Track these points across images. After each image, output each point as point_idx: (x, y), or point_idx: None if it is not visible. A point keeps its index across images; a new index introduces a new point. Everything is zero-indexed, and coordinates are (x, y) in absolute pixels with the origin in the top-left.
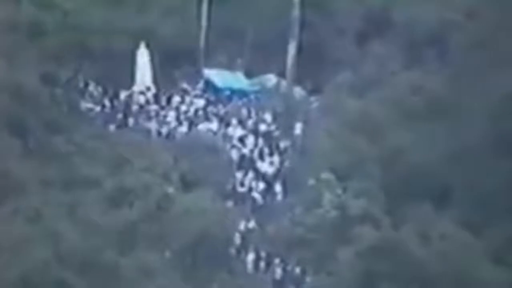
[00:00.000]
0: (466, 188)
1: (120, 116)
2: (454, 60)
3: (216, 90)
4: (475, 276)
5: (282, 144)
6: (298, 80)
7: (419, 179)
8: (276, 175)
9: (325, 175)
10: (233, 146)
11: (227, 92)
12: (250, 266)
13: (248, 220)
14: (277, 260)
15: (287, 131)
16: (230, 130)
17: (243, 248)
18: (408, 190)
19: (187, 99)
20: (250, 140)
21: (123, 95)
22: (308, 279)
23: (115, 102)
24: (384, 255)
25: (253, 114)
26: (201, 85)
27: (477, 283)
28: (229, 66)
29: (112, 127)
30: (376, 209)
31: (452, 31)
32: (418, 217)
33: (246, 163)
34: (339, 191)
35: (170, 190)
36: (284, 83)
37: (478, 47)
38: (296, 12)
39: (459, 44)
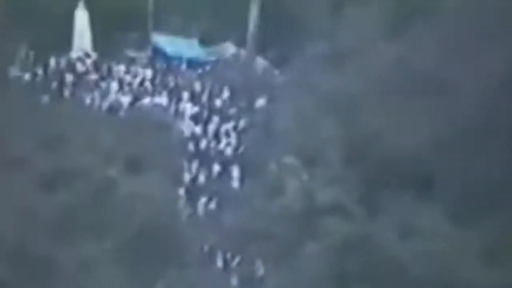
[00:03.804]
0: (453, 176)
1: (54, 85)
2: (443, 30)
3: (166, 59)
4: (462, 276)
5: (241, 123)
6: (261, 50)
7: (398, 165)
8: (233, 158)
9: (289, 159)
10: (185, 124)
11: (179, 62)
12: (202, 260)
13: (201, 209)
14: (234, 255)
15: (247, 107)
16: (181, 105)
17: (194, 241)
18: (386, 177)
19: (133, 68)
20: (204, 117)
21: (58, 62)
22: (269, 276)
23: (49, 70)
24: (356, 251)
25: (208, 87)
26: (149, 52)
27: (464, 285)
28: (182, 32)
29: (45, 99)
30: (348, 198)
31: None
32: (396, 208)
33: (199, 143)
34: (305, 178)
35: (113, 173)
36: (244, 52)
37: (470, 14)
38: None
39: (449, 11)
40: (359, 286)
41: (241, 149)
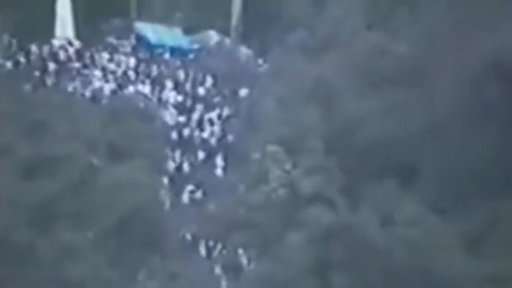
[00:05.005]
0: (436, 165)
1: (37, 74)
2: (425, 19)
3: (149, 47)
4: (445, 266)
5: (224, 112)
6: (244, 39)
7: (381, 154)
8: (217, 147)
9: (273, 148)
10: (169, 112)
11: (162, 50)
12: (184, 249)
13: (184, 198)
14: (216, 244)
15: (231, 96)
16: (165, 94)
17: (177, 230)
18: (368, 166)
19: (116, 56)
20: (188, 105)
21: (40, 50)
22: (251, 266)
23: (31, 58)
24: (339, 241)
25: (191, 76)
26: (132, 41)
27: (447, 275)
28: (165, 20)
29: (27, 87)
30: (331, 188)
31: None
32: (379, 198)
33: (183, 132)
34: (288, 167)
35: (95, 160)
36: (228, 41)
37: (453, 3)
38: None
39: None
40: (342, 275)
41: (224, 138)
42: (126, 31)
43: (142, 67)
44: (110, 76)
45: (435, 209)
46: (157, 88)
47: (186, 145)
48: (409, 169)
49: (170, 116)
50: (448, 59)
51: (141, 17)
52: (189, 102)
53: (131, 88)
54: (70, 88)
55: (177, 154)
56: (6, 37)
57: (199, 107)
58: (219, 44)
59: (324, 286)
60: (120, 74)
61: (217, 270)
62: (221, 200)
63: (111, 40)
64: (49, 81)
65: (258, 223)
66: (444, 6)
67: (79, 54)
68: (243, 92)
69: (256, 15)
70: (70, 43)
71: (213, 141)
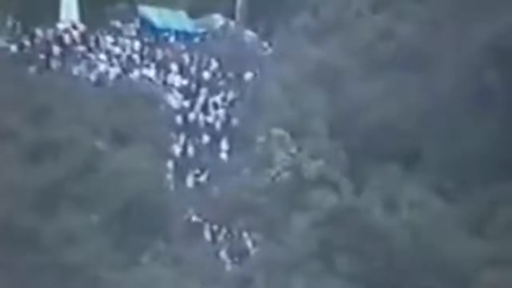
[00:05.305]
0: (439, 149)
1: (41, 57)
2: (429, 3)
3: (154, 31)
4: (449, 249)
5: (229, 95)
6: (249, 22)
7: (385, 137)
8: (221, 131)
9: (277, 131)
10: (173, 96)
11: (167, 34)
12: (189, 233)
13: (189, 181)
14: (221, 228)
15: (235, 80)
16: (169, 77)
17: (181, 213)
18: (373, 150)
19: (120, 40)
20: (193, 89)
21: (45, 33)
22: (256, 249)
23: (36, 41)
24: (343, 224)
25: (196, 59)
26: (136, 24)
27: (451, 257)
28: (170, 3)
29: (32, 70)
30: (335, 171)
31: None
32: (383, 181)
33: (187, 116)
34: (293, 150)
35: (100, 145)
36: (232, 24)
37: None
38: None
39: None
40: (346, 257)
41: (229, 122)
42: (130, 15)
43: (146, 50)
44: (114, 60)
45: (438, 192)
46: (162, 72)
47: (190, 129)
48: (413, 152)
49: (174, 100)
50: (451, 43)
51: (145, 0)
52: (194, 86)
53: (136, 72)
54: (75, 72)
55: (182, 138)
56: (10, 20)
57: (204, 91)
58: (224, 27)
59: (328, 268)
60: (125, 58)
61: (222, 254)
62: (225, 183)
63: (116, 23)
64: (54, 64)
65: (262, 206)
66: None
67: (83, 37)
68: (248, 75)
69: None
70: (75, 27)
71: (218, 125)
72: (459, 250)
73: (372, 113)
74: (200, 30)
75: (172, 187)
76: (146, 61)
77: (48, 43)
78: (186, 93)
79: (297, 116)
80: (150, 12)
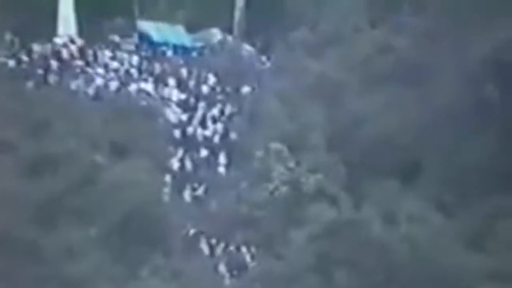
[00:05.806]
0: (438, 163)
1: (39, 72)
2: (427, 17)
3: (152, 45)
4: (448, 263)
5: (227, 110)
6: (247, 36)
7: (384, 151)
8: (220, 145)
9: (275, 145)
10: (171, 110)
11: (165, 48)
12: (187, 247)
13: (187, 195)
14: (219, 242)
15: (233, 94)
16: (167, 92)
17: (180, 227)
18: (371, 164)
19: (119, 54)
20: (191, 103)
21: (43, 48)
22: (254, 263)
23: (34, 56)
24: (342, 238)
25: (194, 74)
26: (135, 39)
27: (449, 271)
28: (169, 18)
29: (30, 85)
30: (334, 185)
31: None
32: (382, 195)
33: (185, 130)
34: (291, 164)
35: (98, 158)
36: (230, 39)
37: (454, 2)
38: None
39: None
40: (344, 271)
41: (227, 136)
42: (129, 29)
43: (145, 65)
44: (113, 74)
45: (437, 206)
46: (160, 86)
47: (189, 143)
48: (411, 166)
49: (173, 114)
50: (449, 57)
51: (144, 15)
52: (192, 100)
53: (134, 86)
54: (73, 86)
55: (180, 151)
56: (8, 36)
57: (202, 105)
58: (222, 42)
59: (326, 282)
60: (123, 72)
61: (221, 267)
62: (223, 198)
63: (114, 38)
64: (52, 79)
65: (261, 220)
66: (446, 5)
67: (81, 52)
68: (246, 89)
69: (259, 12)
70: (73, 41)
71: (216, 139)
72: (458, 264)
73: (370, 127)
74: (198, 44)
75: (170, 200)
76: (144, 75)
77: (46, 58)
78: (184, 107)
79: (296, 130)
80: (148, 27)
